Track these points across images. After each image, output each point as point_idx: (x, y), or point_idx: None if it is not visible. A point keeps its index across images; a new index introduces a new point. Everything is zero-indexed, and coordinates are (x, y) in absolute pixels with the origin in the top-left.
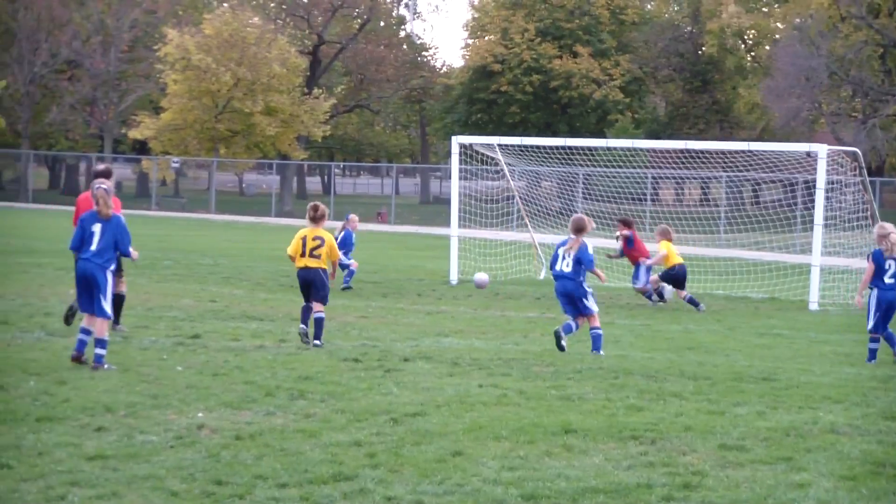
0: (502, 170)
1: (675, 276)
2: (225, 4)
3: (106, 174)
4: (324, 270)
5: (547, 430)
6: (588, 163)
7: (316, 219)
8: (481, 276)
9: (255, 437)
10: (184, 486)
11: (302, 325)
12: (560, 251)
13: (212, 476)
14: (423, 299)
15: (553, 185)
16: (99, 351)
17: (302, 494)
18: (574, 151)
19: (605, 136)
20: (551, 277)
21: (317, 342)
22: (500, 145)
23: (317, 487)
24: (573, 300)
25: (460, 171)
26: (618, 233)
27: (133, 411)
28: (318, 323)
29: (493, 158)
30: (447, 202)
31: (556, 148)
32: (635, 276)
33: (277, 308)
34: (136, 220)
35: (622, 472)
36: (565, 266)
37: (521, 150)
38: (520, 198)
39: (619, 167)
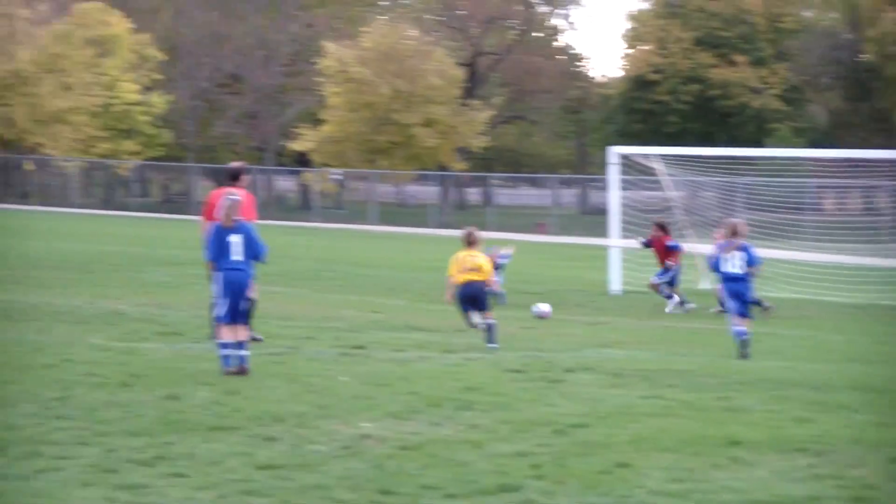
0: (661, 180)
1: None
2: (383, 17)
3: (239, 172)
4: (485, 283)
5: (712, 441)
6: (748, 172)
7: (470, 243)
8: (543, 308)
9: (421, 448)
10: (351, 495)
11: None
12: (723, 254)
13: (378, 486)
14: (583, 310)
15: (712, 194)
16: (245, 353)
17: None
18: (733, 161)
19: (764, 146)
20: (711, 287)
21: (494, 345)
22: (658, 155)
23: (482, 498)
24: (744, 299)
25: (619, 181)
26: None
27: (301, 421)
28: (493, 328)
29: (651, 168)
30: (606, 212)
31: (716, 157)
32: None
33: (440, 319)
34: (299, 231)
35: (789, 484)
36: (734, 267)
37: (680, 160)
38: (679, 208)
39: (780, 177)
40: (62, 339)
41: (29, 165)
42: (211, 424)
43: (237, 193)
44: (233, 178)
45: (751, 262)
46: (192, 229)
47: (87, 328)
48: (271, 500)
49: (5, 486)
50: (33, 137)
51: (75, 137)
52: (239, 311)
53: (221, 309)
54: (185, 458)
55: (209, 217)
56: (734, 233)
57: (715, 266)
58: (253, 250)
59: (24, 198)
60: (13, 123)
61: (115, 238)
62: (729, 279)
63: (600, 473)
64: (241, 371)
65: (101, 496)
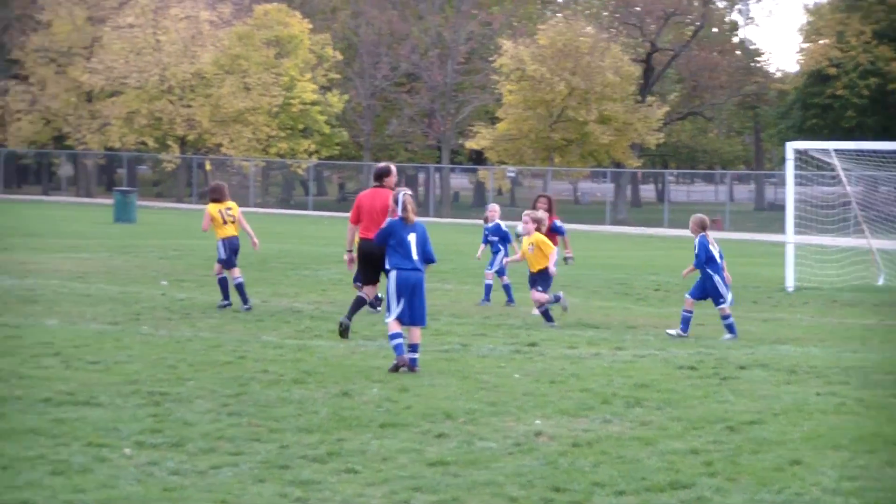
0: (838, 175)
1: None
2: (559, 15)
3: (387, 172)
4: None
5: (888, 439)
6: None
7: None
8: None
9: (593, 445)
10: (523, 492)
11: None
12: (712, 247)
13: (550, 483)
14: (758, 306)
15: (892, 189)
16: (416, 355)
17: (639, 502)
18: None
19: None
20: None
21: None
22: (835, 150)
23: (654, 495)
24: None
25: (795, 176)
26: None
27: (472, 418)
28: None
29: (828, 164)
30: (782, 208)
31: (894, 152)
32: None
33: (613, 316)
34: (473, 229)
35: None
36: (720, 259)
37: (858, 155)
38: (857, 203)
39: None
40: (238, 336)
41: (208, 165)
42: (382, 421)
43: (407, 189)
44: (380, 177)
45: (722, 256)
46: None
47: (261, 325)
48: (441, 497)
49: (182, 481)
50: (213, 138)
51: (254, 137)
52: (420, 312)
53: (397, 310)
54: (357, 454)
55: (356, 220)
56: (706, 226)
57: (710, 258)
58: (426, 251)
59: (203, 197)
60: (195, 124)
61: (292, 236)
62: (719, 271)
63: (773, 471)
64: (411, 370)
65: (274, 492)
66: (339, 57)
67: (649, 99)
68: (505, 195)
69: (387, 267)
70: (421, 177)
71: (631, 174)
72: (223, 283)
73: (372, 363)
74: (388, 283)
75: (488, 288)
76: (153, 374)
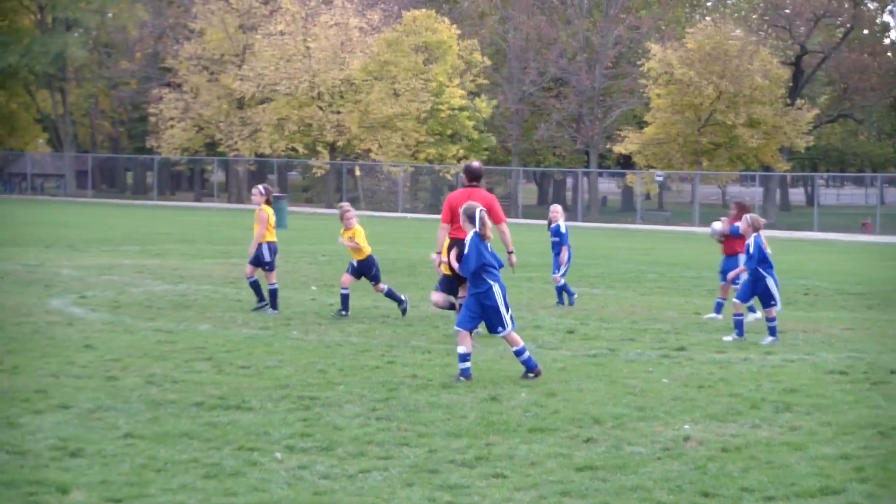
0: None
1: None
2: (707, 18)
3: (482, 173)
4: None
5: None
6: None
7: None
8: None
9: (741, 450)
10: (671, 497)
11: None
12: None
13: (699, 488)
14: None
15: None
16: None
17: None
18: None
19: None
20: None
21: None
22: None
23: (804, 501)
24: None
25: None
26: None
27: (620, 423)
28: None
29: None
30: None
31: None
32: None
33: (761, 321)
34: (622, 233)
35: None
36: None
37: None
38: None
39: None
40: (387, 340)
41: (358, 171)
42: (530, 426)
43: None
44: (476, 178)
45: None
46: (515, 232)
47: (410, 330)
48: (590, 502)
49: (332, 485)
50: (362, 144)
51: (402, 143)
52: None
53: (508, 320)
54: (505, 458)
55: (449, 219)
56: (760, 227)
57: (764, 259)
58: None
59: (353, 203)
60: (344, 130)
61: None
62: (772, 272)
63: None
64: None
65: (422, 496)
66: (487, 62)
67: (798, 102)
68: (653, 199)
69: (489, 283)
70: (569, 181)
71: (780, 178)
72: (256, 286)
73: (520, 368)
74: (495, 299)
75: (560, 291)
76: (303, 379)
